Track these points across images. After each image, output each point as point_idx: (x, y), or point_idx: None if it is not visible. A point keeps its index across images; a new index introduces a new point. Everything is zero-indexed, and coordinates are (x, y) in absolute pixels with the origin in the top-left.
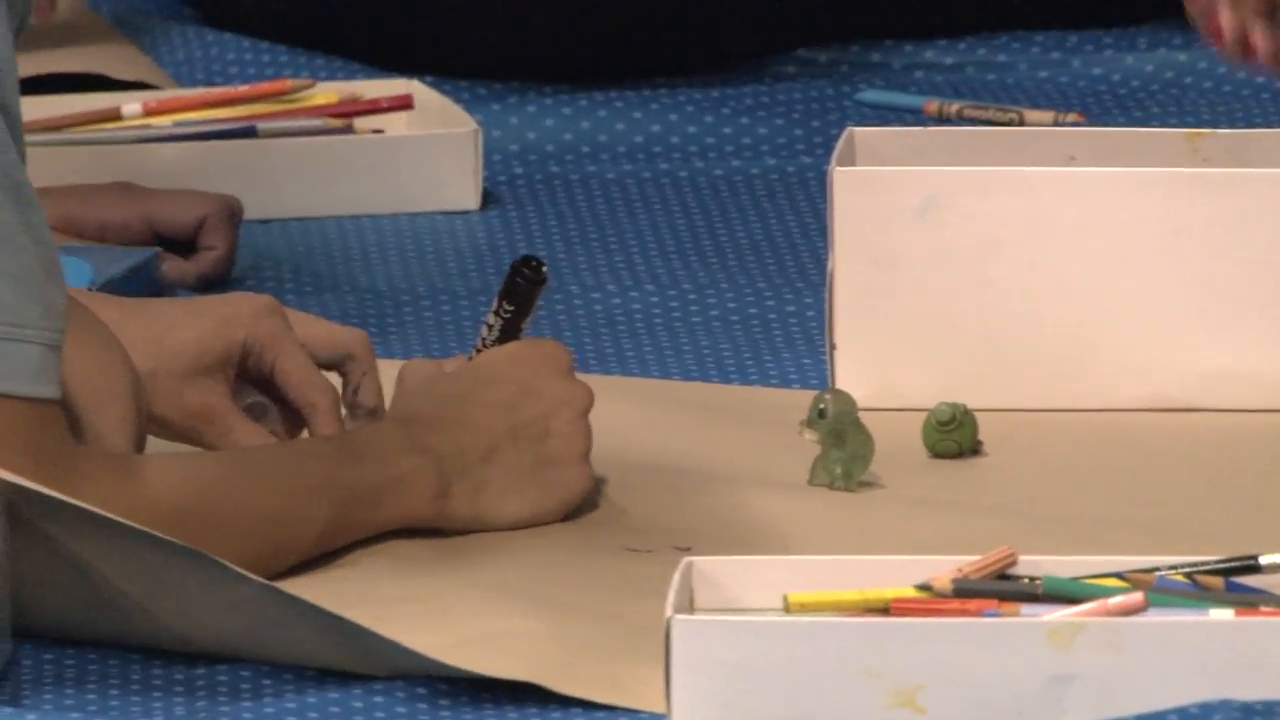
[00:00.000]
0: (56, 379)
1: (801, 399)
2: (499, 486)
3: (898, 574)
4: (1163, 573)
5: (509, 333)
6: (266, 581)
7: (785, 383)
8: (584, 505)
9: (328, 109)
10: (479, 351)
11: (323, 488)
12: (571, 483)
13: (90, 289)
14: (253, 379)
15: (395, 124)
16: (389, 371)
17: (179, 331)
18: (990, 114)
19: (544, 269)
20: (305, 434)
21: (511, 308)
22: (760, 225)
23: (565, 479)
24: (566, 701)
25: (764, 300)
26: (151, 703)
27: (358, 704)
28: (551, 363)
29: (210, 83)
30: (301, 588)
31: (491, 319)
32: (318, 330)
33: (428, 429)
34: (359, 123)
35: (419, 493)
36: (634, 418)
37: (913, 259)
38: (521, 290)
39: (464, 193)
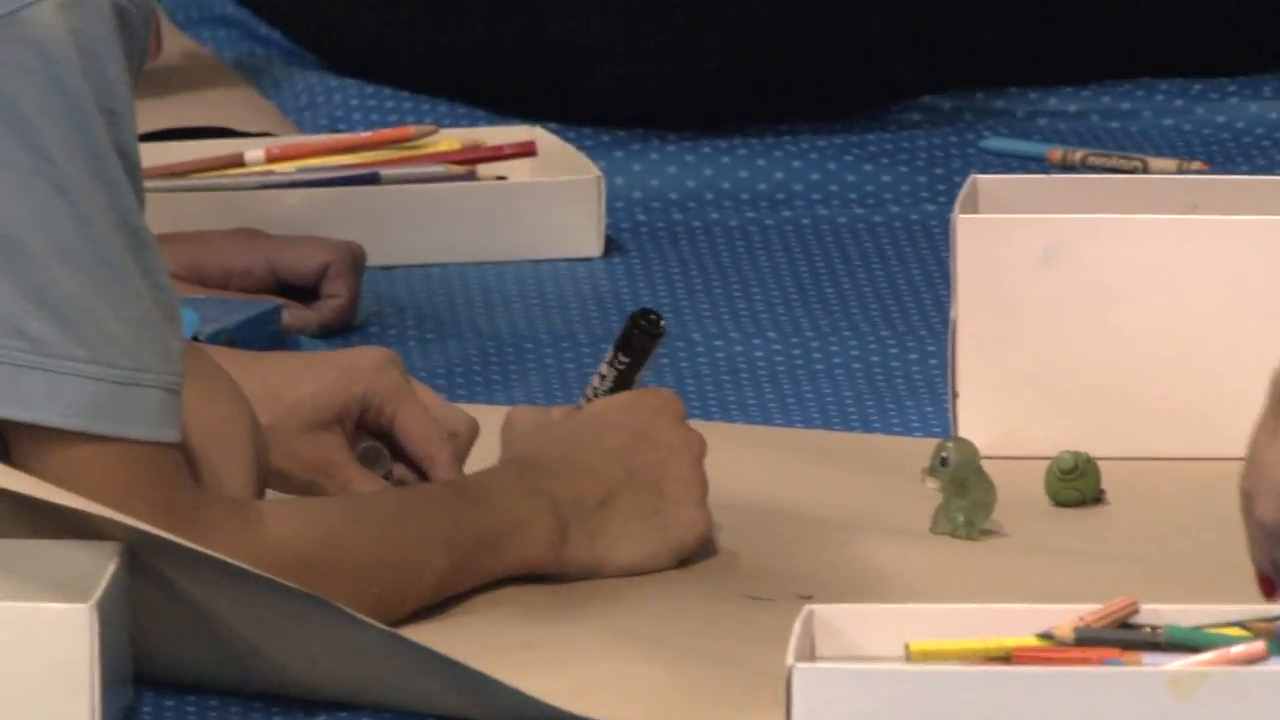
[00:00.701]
0: (177, 423)
1: (923, 447)
2: (616, 532)
3: (1019, 622)
4: None
5: (623, 383)
6: (387, 628)
7: (907, 430)
8: (703, 551)
9: (450, 155)
10: (588, 401)
11: (442, 533)
12: (688, 527)
13: (197, 339)
14: (371, 431)
15: (518, 171)
16: (499, 417)
17: (298, 386)
18: (1114, 162)
19: (661, 322)
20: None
21: (627, 359)
22: (883, 272)
23: (681, 524)
24: None
25: (886, 348)
26: None
27: None
28: (665, 410)
29: (333, 129)
30: (421, 634)
31: (605, 369)
32: (430, 402)
33: (545, 474)
34: (482, 169)
35: (537, 538)
36: (754, 465)
37: (1035, 306)
38: (638, 342)
39: (586, 239)
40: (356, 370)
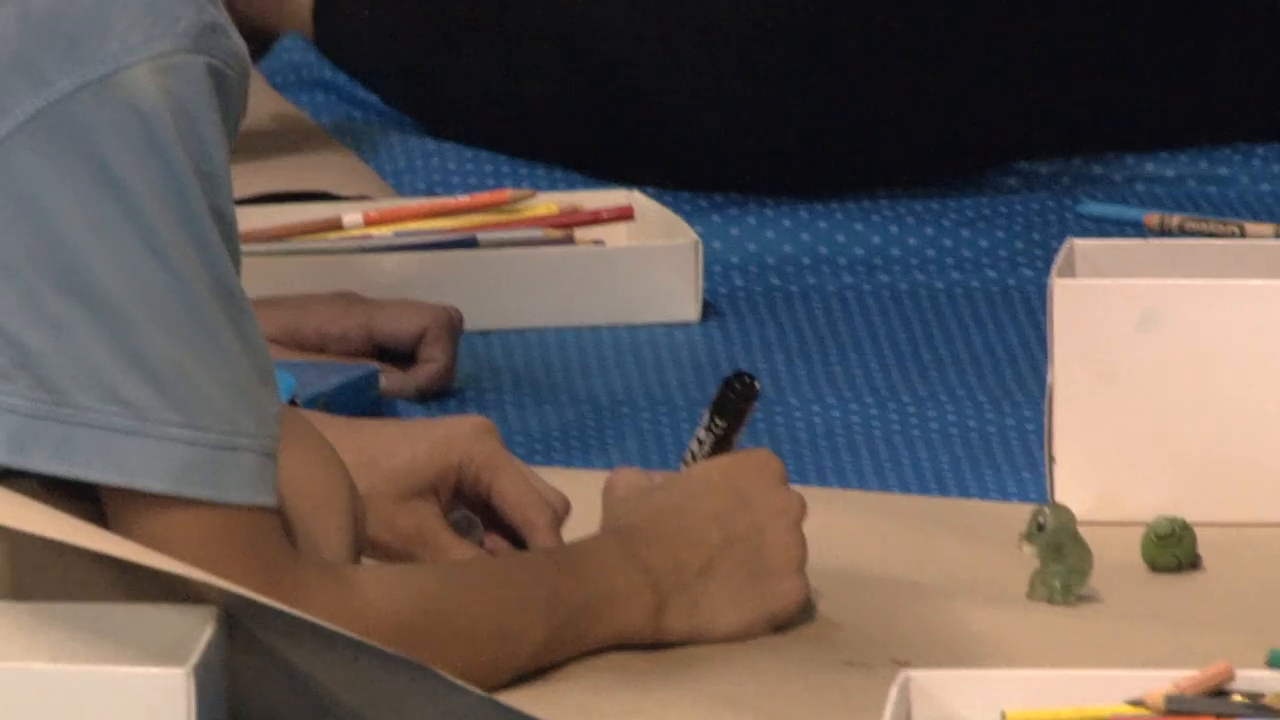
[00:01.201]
0: (273, 487)
1: (1020, 512)
2: (715, 600)
3: (1115, 689)
4: None
5: (720, 447)
6: (484, 693)
7: (1004, 496)
8: (800, 617)
9: (548, 219)
10: (687, 465)
11: (540, 602)
12: (787, 595)
13: (294, 403)
14: (466, 501)
15: (615, 235)
16: (596, 482)
17: (393, 454)
18: (1211, 226)
19: (756, 384)
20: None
21: (723, 422)
22: (980, 338)
23: (781, 591)
24: None
25: (983, 413)
26: None
27: None
28: (764, 473)
29: (431, 192)
30: (519, 699)
31: (702, 433)
32: (525, 473)
33: (644, 543)
34: (579, 233)
35: (636, 609)
36: (852, 529)
37: (1132, 372)
38: (733, 405)
39: (684, 304)
40: (452, 439)
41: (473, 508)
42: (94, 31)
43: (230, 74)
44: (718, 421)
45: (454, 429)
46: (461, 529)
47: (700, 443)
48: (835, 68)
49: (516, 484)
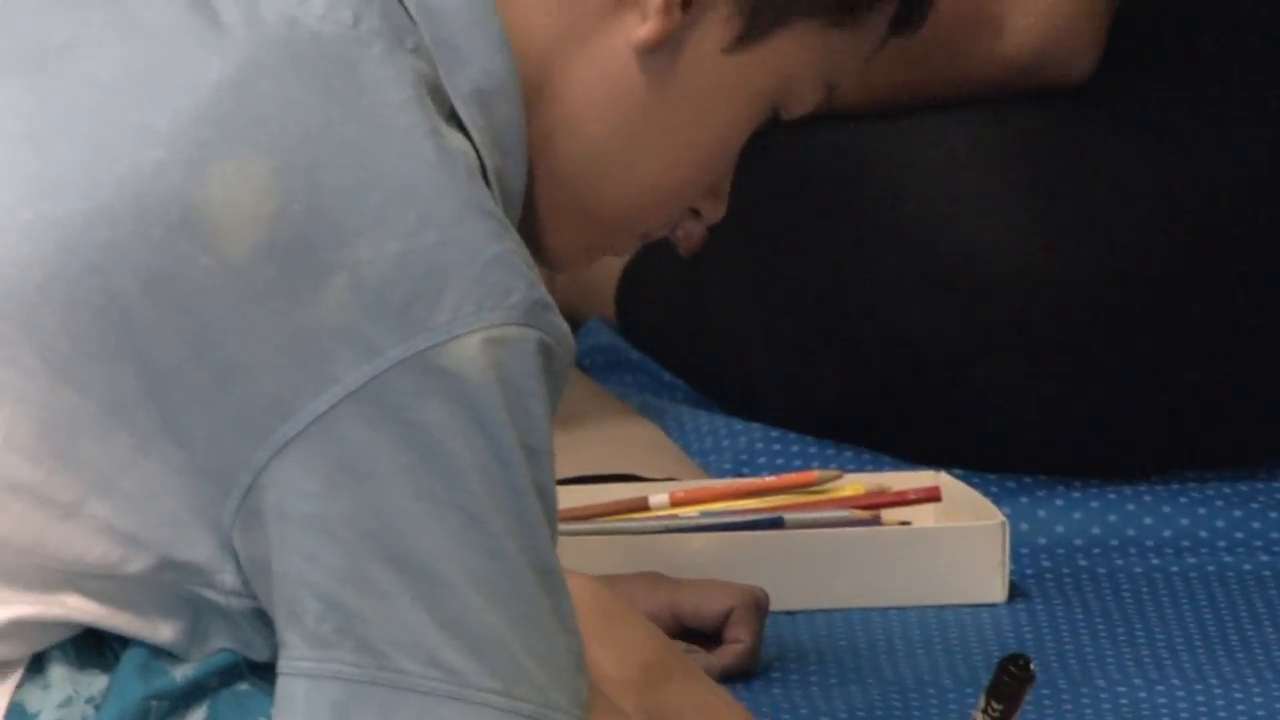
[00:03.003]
0: None
1: None
2: None
3: None
4: None
5: None
6: None
7: None
8: None
9: (855, 500)
10: None
11: None
12: None
13: None
14: None
15: (922, 516)
16: None
17: None
18: None
19: (1032, 666)
20: None
21: (999, 706)
22: None
23: None
24: None
25: None
26: None
27: None
28: None
29: (738, 472)
30: None
31: (979, 716)
32: None
33: None
34: (886, 514)
35: None
36: None
37: None
38: (1009, 688)
39: (991, 586)
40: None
41: None
42: (425, 302)
43: (558, 351)
44: (994, 705)
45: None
46: None
47: None
48: (1144, 353)
49: None
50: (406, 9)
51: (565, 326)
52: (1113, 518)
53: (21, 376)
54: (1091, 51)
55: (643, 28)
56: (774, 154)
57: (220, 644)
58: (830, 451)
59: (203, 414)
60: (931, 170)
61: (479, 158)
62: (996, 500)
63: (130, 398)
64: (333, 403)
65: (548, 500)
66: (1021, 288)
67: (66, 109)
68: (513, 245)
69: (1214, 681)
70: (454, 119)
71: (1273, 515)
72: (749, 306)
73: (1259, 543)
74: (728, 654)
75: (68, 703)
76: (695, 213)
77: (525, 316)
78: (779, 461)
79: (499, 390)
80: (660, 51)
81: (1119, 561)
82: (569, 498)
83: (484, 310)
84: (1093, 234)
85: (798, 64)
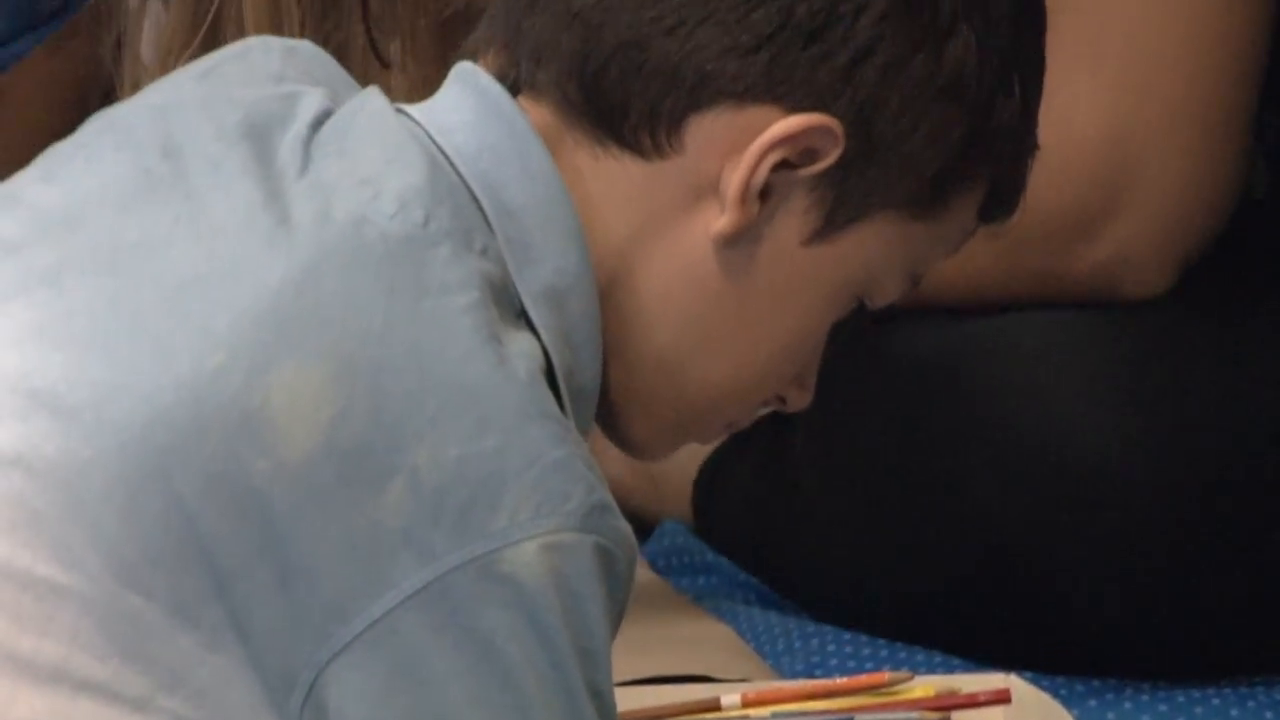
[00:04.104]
0: None
1: None
2: None
3: None
4: None
5: None
6: None
7: None
8: None
9: (924, 702)
10: None
11: None
12: None
13: None
14: None
15: (993, 718)
16: None
17: None
18: None
19: None
20: None
21: None
22: None
23: None
24: None
25: None
26: None
27: None
28: None
29: (810, 674)
30: None
31: None
32: None
33: None
34: (956, 716)
35: None
36: None
37: None
38: None
39: None
40: None
41: None
42: (483, 506)
43: (618, 555)
44: None
45: None
46: None
47: None
48: (1221, 558)
49: None
50: (481, 208)
51: (626, 529)
52: (1181, 719)
53: (85, 580)
54: (1171, 270)
55: (721, 220)
56: (860, 346)
57: None
58: (902, 654)
59: (267, 612)
60: (1018, 365)
61: (547, 356)
62: (1066, 702)
63: (196, 598)
64: (389, 607)
65: (603, 701)
66: (1101, 488)
67: (133, 311)
68: (573, 449)
69: None
70: (523, 317)
71: None
72: (831, 503)
73: None
74: None
75: None
76: (781, 400)
77: (583, 522)
78: (850, 663)
79: (556, 595)
80: (739, 243)
81: None
82: (642, 699)
83: (541, 516)
84: (1179, 437)
85: (879, 255)
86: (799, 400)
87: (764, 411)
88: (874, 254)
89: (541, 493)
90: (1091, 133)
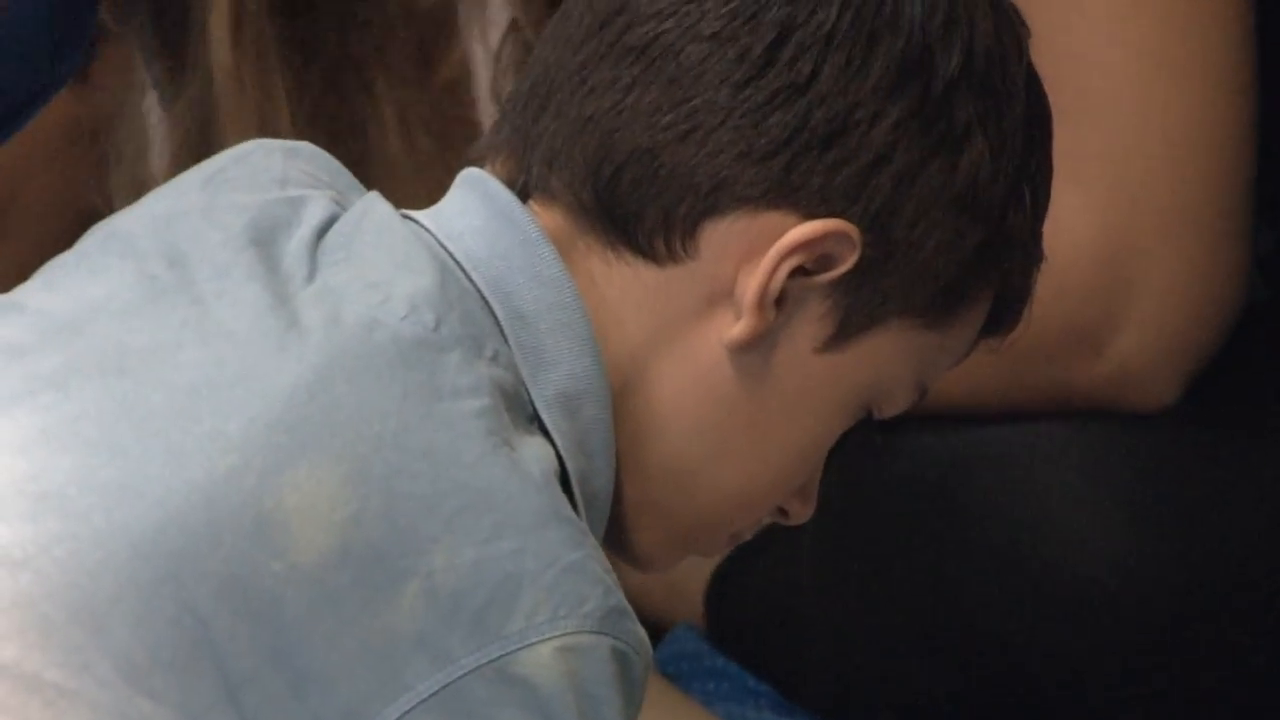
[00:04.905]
0: None
1: None
2: None
3: None
4: None
5: None
6: None
7: None
8: None
9: None
10: None
11: None
12: None
13: None
14: None
15: None
16: None
17: None
18: None
19: None
20: None
21: None
22: None
23: None
24: None
25: None
26: None
27: None
28: None
29: None
30: None
31: None
32: None
33: None
34: None
35: None
36: None
37: None
38: None
39: None
40: None
41: None
42: (499, 609)
43: (634, 658)
44: None
45: None
46: None
47: None
48: (1241, 671)
49: None
50: (493, 313)
51: (641, 632)
52: None
53: (95, 685)
54: (1177, 382)
55: (736, 326)
56: (865, 453)
57: None
58: None
59: (279, 719)
60: (1022, 475)
61: (560, 462)
62: None
63: (207, 704)
64: (404, 710)
65: None
66: (1105, 602)
67: (142, 415)
68: (590, 551)
69: None
70: (536, 422)
71: None
72: (839, 610)
73: None
74: None
75: None
76: (783, 512)
77: (599, 624)
78: None
79: (572, 697)
80: (753, 350)
81: None
82: None
83: (558, 619)
84: (1184, 550)
85: (891, 363)
86: (801, 512)
87: (766, 523)
88: (885, 363)
89: (558, 595)
90: (1085, 247)
